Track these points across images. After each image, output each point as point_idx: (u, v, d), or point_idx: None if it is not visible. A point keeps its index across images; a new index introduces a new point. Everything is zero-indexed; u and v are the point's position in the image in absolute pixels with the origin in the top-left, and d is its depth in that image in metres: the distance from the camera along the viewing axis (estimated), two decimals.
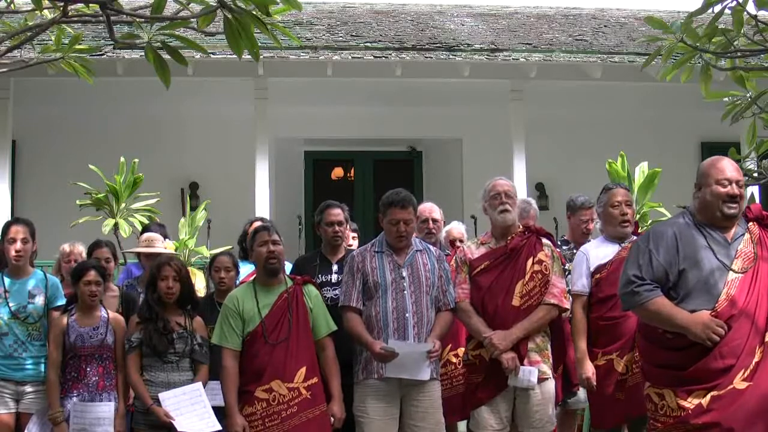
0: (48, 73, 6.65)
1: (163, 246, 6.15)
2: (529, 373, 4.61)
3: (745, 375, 3.55)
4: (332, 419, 4.60)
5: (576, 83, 9.82)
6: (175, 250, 6.75)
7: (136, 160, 7.86)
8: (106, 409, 4.75)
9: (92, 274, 4.91)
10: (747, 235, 3.76)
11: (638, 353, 4.10)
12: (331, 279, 5.17)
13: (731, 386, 3.55)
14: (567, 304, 4.87)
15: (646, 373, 3.86)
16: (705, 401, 3.55)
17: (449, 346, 5.15)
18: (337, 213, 5.26)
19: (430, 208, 5.72)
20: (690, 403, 3.57)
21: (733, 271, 3.66)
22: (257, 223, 5.95)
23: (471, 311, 4.77)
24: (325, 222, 5.26)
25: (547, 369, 4.75)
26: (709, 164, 3.82)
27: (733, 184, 3.72)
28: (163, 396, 4.63)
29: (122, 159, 7.81)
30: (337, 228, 5.23)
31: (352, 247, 5.61)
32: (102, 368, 4.85)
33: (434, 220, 5.65)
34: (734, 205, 3.71)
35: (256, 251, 4.77)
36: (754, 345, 3.58)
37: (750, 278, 3.66)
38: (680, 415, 3.59)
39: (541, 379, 4.69)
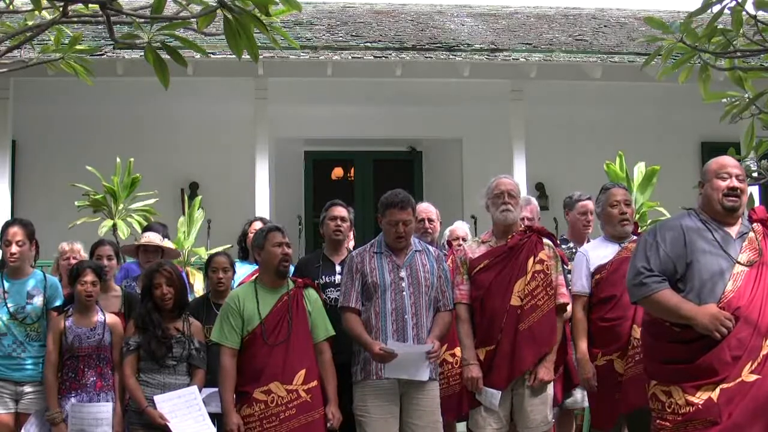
0: (48, 73, 6.63)
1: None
2: (491, 396, 4.66)
3: (753, 367, 3.56)
4: (330, 422, 4.59)
5: (576, 83, 9.80)
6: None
7: (132, 159, 7.86)
8: (104, 410, 4.74)
9: (89, 274, 4.89)
10: (752, 234, 3.80)
11: (642, 352, 4.08)
12: (334, 280, 5.10)
13: (740, 379, 3.55)
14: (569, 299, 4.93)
15: (651, 372, 3.83)
16: (715, 395, 3.54)
17: (445, 345, 5.15)
18: (341, 210, 5.26)
19: (426, 208, 5.70)
20: (699, 398, 3.56)
21: (740, 263, 3.68)
22: (257, 223, 5.95)
23: (464, 320, 4.80)
24: (328, 217, 5.25)
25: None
26: (710, 162, 3.94)
27: (733, 178, 3.80)
28: (158, 399, 4.62)
29: (118, 160, 7.80)
30: (339, 222, 5.20)
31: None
32: (100, 369, 4.84)
33: (430, 220, 5.64)
34: (734, 198, 3.78)
35: (268, 251, 4.73)
36: (761, 337, 3.58)
37: (756, 271, 3.69)
38: (689, 411, 3.58)
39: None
